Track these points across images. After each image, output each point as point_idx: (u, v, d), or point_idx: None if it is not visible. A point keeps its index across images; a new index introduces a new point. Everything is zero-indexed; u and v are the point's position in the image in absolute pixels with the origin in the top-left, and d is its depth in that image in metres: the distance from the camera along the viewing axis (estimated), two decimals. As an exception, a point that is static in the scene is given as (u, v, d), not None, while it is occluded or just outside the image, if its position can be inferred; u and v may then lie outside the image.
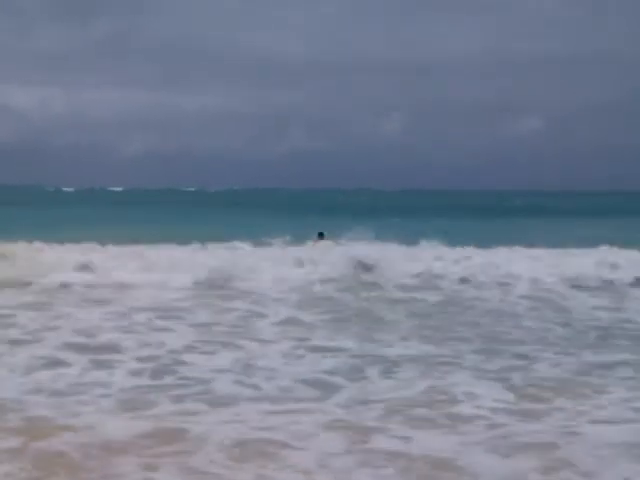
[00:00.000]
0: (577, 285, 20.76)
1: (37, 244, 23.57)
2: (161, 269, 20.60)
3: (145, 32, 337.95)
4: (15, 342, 12.77)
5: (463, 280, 21.07)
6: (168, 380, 10.71)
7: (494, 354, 12.46)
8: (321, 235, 25.44)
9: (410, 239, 25.72)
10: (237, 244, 24.79)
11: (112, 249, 23.48)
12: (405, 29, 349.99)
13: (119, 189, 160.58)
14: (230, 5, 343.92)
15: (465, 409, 9.52)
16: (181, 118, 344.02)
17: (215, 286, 19.31)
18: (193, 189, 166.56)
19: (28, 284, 18.72)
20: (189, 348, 12.67)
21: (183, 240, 25.28)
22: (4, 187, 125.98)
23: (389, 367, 11.57)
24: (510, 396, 10.10)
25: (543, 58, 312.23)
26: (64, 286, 18.90)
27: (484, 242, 27.64)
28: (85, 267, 20.29)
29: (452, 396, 10.04)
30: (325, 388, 10.43)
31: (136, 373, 11.07)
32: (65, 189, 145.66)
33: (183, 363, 11.67)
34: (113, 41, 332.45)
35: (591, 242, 27.65)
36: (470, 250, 25.25)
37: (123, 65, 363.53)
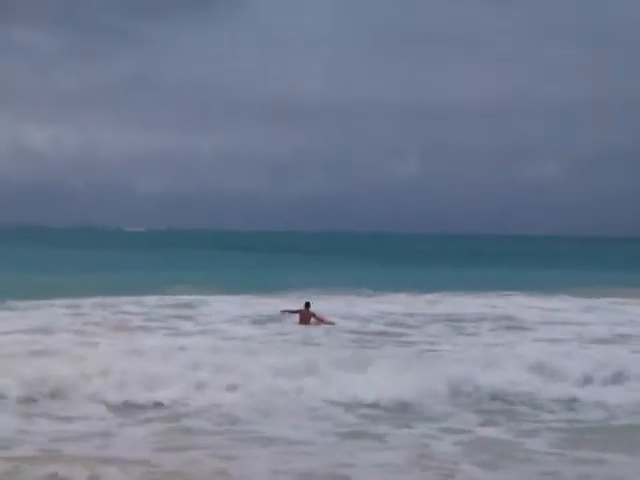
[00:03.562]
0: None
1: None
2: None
3: (162, 73, 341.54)
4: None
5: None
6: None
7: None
8: (307, 305, 22.36)
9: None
10: None
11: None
12: (420, 74, 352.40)
13: (141, 229, 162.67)
14: (247, 48, 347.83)
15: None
16: (197, 159, 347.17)
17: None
18: (211, 229, 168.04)
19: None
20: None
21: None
22: (33, 227, 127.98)
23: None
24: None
25: (559, 104, 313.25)
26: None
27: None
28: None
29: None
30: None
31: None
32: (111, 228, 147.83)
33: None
34: (130, 82, 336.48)
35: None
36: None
37: (140, 105, 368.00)
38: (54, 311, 22.43)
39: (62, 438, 10.82)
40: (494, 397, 13.76)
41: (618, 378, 14.66)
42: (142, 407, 12.67)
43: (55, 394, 12.90)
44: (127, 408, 12.62)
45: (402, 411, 12.84)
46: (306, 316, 21.87)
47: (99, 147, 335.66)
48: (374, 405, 13.05)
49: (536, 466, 10.19)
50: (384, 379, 13.75)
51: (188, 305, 25.16)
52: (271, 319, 22.49)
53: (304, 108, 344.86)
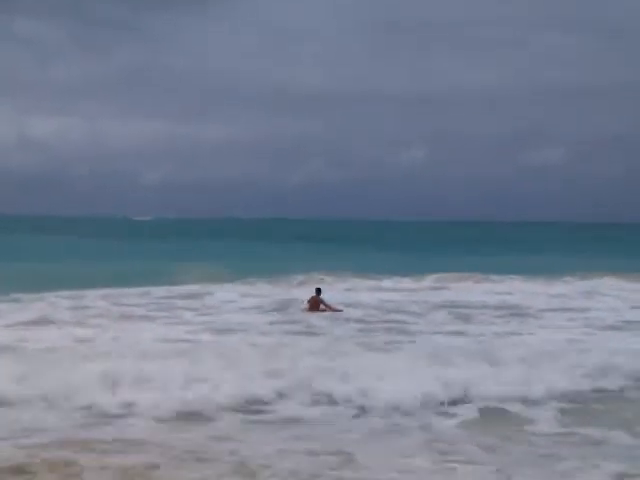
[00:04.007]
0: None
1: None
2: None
3: (163, 63, 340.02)
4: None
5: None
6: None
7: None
8: (319, 291, 22.68)
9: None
10: None
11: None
12: (421, 62, 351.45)
13: (147, 218, 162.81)
14: (248, 37, 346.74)
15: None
16: (200, 147, 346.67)
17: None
18: (215, 217, 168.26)
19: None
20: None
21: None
22: (50, 217, 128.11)
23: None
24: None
25: (560, 90, 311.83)
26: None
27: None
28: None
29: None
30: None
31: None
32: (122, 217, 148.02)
33: None
34: (132, 72, 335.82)
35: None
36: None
37: (143, 95, 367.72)
38: (58, 302, 22.28)
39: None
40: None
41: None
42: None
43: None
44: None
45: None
46: (316, 302, 22.22)
47: (103, 137, 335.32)
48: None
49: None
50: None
51: (194, 295, 25.24)
52: (279, 307, 22.83)
53: (306, 96, 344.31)
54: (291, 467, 9.10)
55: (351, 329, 18.98)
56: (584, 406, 12.28)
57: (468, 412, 11.87)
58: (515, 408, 12.03)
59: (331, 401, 12.22)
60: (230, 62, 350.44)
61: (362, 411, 11.94)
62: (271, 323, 19.71)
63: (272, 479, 8.79)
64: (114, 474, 8.73)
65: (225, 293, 26.13)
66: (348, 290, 28.11)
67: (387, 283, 30.40)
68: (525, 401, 12.30)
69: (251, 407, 11.87)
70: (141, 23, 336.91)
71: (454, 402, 12.27)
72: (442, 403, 12.19)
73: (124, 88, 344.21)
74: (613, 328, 19.67)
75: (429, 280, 30.93)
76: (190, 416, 11.37)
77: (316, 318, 20.54)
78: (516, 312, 22.54)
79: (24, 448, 9.51)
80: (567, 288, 29.24)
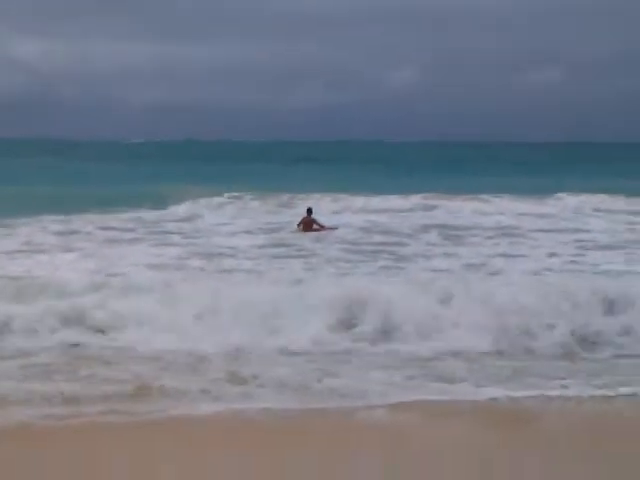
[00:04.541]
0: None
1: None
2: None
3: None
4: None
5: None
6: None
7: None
8: (309, 212, 22.73)
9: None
10: None
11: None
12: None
13: (140, 140, 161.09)
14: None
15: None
16: (194, 70, 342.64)
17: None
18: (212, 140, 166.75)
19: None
20: None
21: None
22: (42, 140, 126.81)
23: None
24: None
25: (559, 8, 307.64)
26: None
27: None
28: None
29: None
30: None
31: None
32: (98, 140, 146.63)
33: None
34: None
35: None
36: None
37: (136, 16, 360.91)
38: (47, 227, 21.81)
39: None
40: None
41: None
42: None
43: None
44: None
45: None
46: (309, 222, 22.15)
47: (92, 59, 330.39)
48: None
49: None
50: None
51: (186, 218, 25.03)
52: (271, 229, 22.66)
53: (301, 17, 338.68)
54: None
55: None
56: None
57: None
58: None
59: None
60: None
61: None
62: (260, 247, 19.43)
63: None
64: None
65: (216, 216, 25.99)
66: (337, 212, 27.83)
67: (376, 201, 30.13)
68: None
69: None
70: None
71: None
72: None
73: (115, 7, 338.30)
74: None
75: (419, 198, 30.61)
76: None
77: (309, 240, 20.35)
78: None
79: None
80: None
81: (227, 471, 7.55)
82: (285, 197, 31.00)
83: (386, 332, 11.97)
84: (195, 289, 13.00)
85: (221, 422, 8.84)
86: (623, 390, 9.92)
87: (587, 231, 22.96)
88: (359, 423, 8.98)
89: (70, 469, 7.48)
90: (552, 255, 18.42)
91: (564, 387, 10.02)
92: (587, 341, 12.01)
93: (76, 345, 11.36)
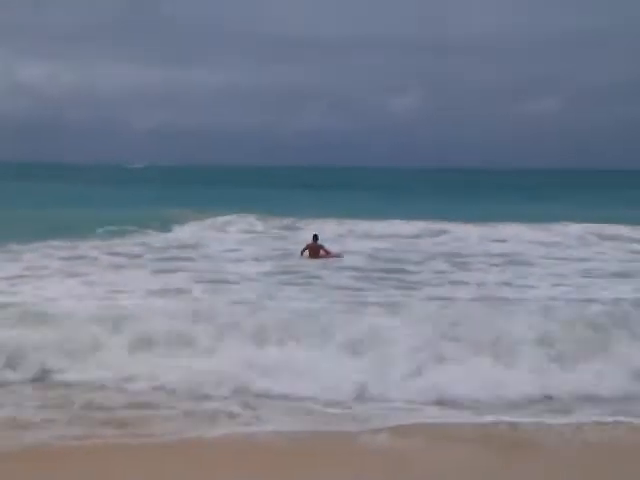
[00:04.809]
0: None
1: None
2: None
3: (159, 8, 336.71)
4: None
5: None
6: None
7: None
8: (316, 238, 22.60)
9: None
10: None
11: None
12: (421, 8, 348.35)
13: (143, 165, 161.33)
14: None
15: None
16: (195, 94, 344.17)
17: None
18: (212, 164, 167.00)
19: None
20: None
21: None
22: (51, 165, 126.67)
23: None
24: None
25: (559, 39, 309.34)
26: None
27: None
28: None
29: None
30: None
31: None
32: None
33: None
34: (127, 17, 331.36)
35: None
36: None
37: (138, 41, 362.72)
38: (50, 253, 21.50)
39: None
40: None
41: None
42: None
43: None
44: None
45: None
46: (315, 249, 22.09)
47: (97, 83, 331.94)
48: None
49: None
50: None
51: (190, 245, 24.88)
52: (277, 255, 22.54)
53: (304, 42, 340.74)
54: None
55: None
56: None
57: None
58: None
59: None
60: (228, 8, 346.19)
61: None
62: (266, 274, 19.19)
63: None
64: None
65: (221, 242, 25.93)
66: (341, 236, 27.98)
67: (381, 227, 30.04)
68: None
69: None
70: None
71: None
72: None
73: (119, 33, 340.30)
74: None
75: (423, 224, 30.48)
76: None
77: (315, 267, 20.17)
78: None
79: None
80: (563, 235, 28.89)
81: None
82: (289, 221, 31.05)
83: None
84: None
85: (231, 444, 8.95)
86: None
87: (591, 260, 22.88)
88: (363, 446, 9.03)
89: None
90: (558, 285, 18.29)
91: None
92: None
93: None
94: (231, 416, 9.85)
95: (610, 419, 9.96)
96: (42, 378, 11.28)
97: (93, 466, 8.28)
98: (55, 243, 23.04)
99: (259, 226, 30.43)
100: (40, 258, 20.55)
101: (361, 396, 10.75)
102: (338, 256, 22.04)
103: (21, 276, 17.57)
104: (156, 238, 26.23)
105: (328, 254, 21.94)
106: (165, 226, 29.12)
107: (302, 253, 22.10)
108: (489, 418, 9.94)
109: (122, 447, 8.74)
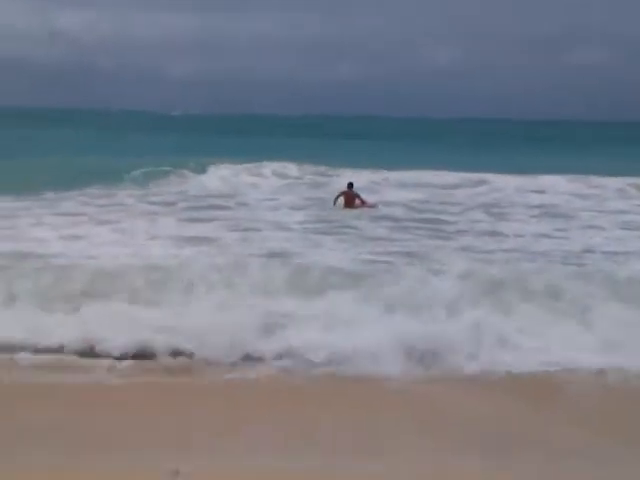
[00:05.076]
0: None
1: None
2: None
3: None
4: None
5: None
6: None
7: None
8: (350, 186, 22.20)
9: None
10: None
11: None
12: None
13: (177, 113, 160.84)
14: None
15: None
16: (228, 41, 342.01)
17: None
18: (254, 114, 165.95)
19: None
20: None
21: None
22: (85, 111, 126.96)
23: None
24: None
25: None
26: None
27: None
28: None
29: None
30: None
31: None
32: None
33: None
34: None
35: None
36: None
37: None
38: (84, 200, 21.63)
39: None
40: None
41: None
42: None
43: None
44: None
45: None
46: (350, 198, 21.69)
47: (132, 30, 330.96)
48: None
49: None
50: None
51: (226, 194, 24.79)
52: (313, 204, 22.37)
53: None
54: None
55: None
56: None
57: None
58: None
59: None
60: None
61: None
62: (302, 223, 19.03)
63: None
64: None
65: (257, 190, 25.94)
66: (376, 183, 27.95)
67: (417, 176, 29.82)
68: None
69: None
70: None
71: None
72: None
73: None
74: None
75: (463, 175, 30.16)
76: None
77: (351, 217, 19.91)
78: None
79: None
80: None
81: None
82: (323, 169, 30.88)
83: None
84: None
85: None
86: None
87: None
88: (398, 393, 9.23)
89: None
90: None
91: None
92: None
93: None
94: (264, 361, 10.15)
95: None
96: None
97: (136, 404, 8.81)
98: (91, 191, 23.18)
99: (294, 171, 30.32)
100: (78, 205, 20.67)
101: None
102: (374, 206, 21.78)
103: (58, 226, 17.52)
104: (193, 184, 26.37)
105: (364, 204, 21.64)
106: (201, 169, 29.36)
107: (335, 201, 21.61)
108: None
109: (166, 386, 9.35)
